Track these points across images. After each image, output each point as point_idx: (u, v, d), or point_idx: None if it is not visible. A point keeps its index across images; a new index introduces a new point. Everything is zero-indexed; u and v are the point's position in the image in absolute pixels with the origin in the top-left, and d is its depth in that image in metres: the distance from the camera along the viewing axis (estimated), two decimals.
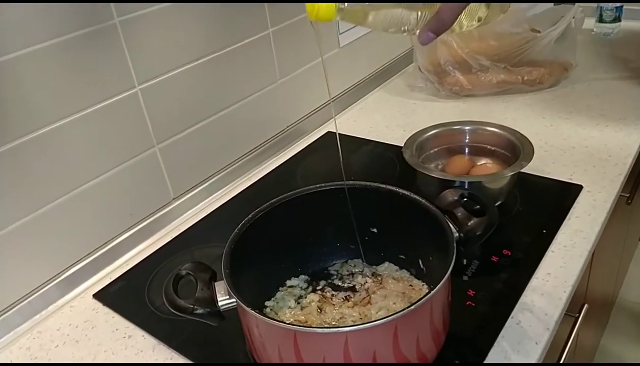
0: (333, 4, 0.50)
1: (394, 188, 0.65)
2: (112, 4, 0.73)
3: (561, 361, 0.70)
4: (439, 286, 0.50)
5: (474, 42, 1.15)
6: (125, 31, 0.75)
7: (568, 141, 0.97)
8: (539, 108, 1.10)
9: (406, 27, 0.53)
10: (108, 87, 0.76)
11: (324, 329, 0.54)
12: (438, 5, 0.51)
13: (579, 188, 0.83)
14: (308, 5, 0.51)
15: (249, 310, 0.50)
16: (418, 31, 0.52)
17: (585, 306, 0.75)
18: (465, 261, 0.72)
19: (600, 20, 1.42)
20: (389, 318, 0.47)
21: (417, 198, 0.62)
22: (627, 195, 0.95)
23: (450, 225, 0.58)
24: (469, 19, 0.56)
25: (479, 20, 0.57)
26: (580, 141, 0.97)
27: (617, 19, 1.41)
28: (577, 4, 1.17)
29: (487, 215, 0.59)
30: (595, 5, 1.43)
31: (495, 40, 1.14)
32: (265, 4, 0.96)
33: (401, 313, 0.48)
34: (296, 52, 1.06)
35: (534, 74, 1.14)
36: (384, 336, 0.49)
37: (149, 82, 0.81)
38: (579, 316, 0.73)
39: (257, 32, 0.96)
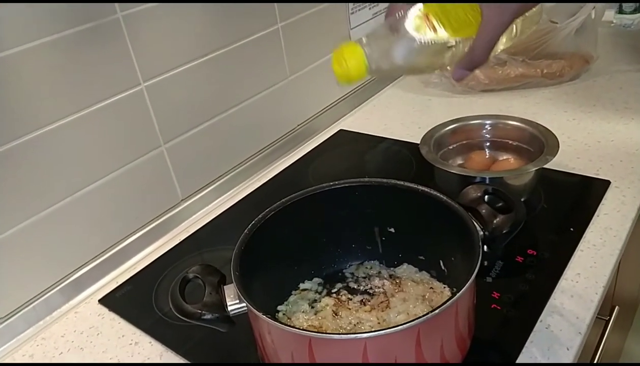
0: (362, 63, 0.47)
1: (412, 185, 0.62)
2: None
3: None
4: (464, 288, 0.46)
5: None
6: (128, 26, 0.72)
7: (592, 136, 0.93)
8: (560, 102, 1.06)
9: (438, 68, 0.50)
10: (111, 84, 0.73)
11: (341, 335, 0.50)
12: (469, 41, 0.48)
13: (607, 183, 0.79)
14: (336, 67, 0.48)
15: (260, 314, 0.47)
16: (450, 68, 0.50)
17: (617, 308, 0.71)
18: (488, 261, 0.68)
19: (620, 11, 1.38)
20: (411, 323, 0.44)
21: (438, 194, 0.59)
22: None
23: (475, 223, 0.54)
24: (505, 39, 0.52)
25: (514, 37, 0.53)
26: (605, 135, 0.92)
27: (637, 10, 1.36)
28: None
29: (513, 211, 0.55)
30: None
31: None
32: None
33: (424, 317, 0.44)
34: (307, 48, 1.03)
35: (554, 67, 1.10)
36: (406, 343, 0.45)
37: (155, 79, 0.78)
38: (609, 319, 0.69)
39: (266, 27, 0.93)
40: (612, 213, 0.74)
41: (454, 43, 0.48)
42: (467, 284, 0.46)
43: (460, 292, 0.46)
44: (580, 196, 0.78)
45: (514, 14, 0.48)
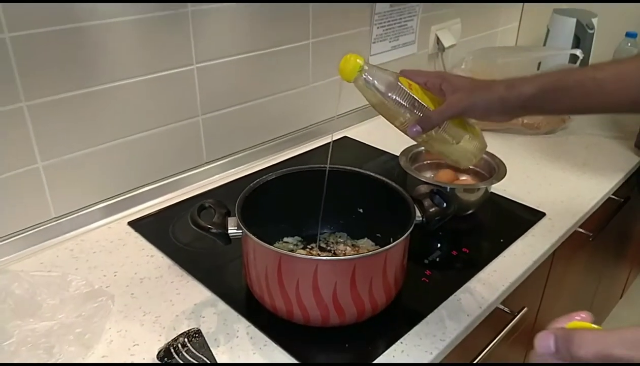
0: (355, 72, 0.71)
1: (381, 177, 0.81)
2: None
3: (486, 349, 0.83)
4: (395, 243, 0.66)
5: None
6: (194, 19, 0.94)
7: (547, 179, 1.12)
8: (531, 149, 1.25)
9: (399, 120, 0.73)
10: (171, 61, 0.95)
11: (302, 256, 0.70)
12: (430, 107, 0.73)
13: (542, 214, 0.98)
14: (342, 62, 0.72)
15: (250, 235, 0.67)
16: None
17: (525, 309, 0.89)
18: (430, 251, 0.87)
19: None
20: (350, 257, 0.63)
21: (396, 186, 0.78)
22: (590, 234, 1.08)
23: (416, 209, 0.73)
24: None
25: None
26: (558, 181, 1.11)
27: None
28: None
29: (446, 206, 0.74)
30: None
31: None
32: (311, 19, 1.14)
33: (359, 255, 0.64)
34: (329, 64, 1.24)
35: (533, 120, 1.29)
36: (344, 272, 0.64)
37: (205, 63, 0.99)
38: (517, 315, 0.87)
39: (300, 40, 1.15)
40: (538, 236, 0.92)
41: (417, 103, 0.71)
42: (396, 241, 0.66)
43: (390, 246, 0.65)
44: (518, 219, 0.97)
45: (469, 110, 0.71)
